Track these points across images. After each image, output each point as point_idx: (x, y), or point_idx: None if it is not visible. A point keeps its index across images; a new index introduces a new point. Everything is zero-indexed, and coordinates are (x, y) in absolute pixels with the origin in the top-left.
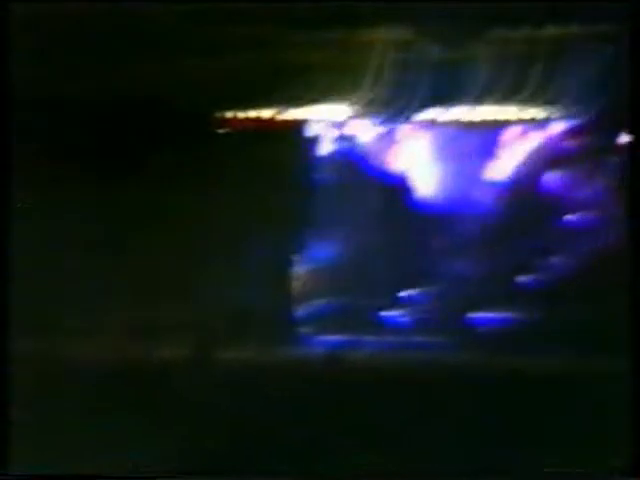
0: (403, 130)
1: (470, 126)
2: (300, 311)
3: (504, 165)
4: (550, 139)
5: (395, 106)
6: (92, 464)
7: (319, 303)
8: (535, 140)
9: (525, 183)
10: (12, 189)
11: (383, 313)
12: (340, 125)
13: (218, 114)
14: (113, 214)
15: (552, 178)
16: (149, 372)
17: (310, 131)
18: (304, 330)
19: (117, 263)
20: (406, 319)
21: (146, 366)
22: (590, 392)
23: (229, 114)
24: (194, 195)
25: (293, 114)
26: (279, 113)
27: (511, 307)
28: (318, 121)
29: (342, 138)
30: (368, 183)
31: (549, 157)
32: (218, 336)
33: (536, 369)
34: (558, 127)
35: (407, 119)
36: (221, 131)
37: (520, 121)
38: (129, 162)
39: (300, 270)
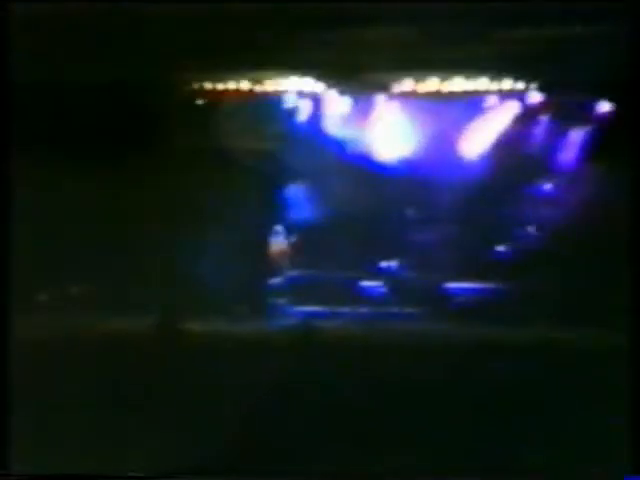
0: (374, 101)
1: (443, 97)
2: (274, 283)
3: (478, 137)
4: (523, 111)
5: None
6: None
7: (293, 275)
8: (508, 112)
9: (499, 155)
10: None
11: (358, 284)
12: (309, 96)
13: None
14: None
15: (526, 149)
16: (115, 347)
17: (279, 102)
18: (278, 302)
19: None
20: (381, 290)
21: (115, 340)
22: (562, 360)
23: (196, 85)
24: (160, 169)
25: (262, 86)
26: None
27: (484, 278)
28: (285, 92)
29: (312, 109)
30: (340, 155)
31: (523, 129)
32: (189, 311)
33: (508, 339)
34: (531, 99)
35: (378, 90)
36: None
37: (493, 93)
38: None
39: (273, 242)
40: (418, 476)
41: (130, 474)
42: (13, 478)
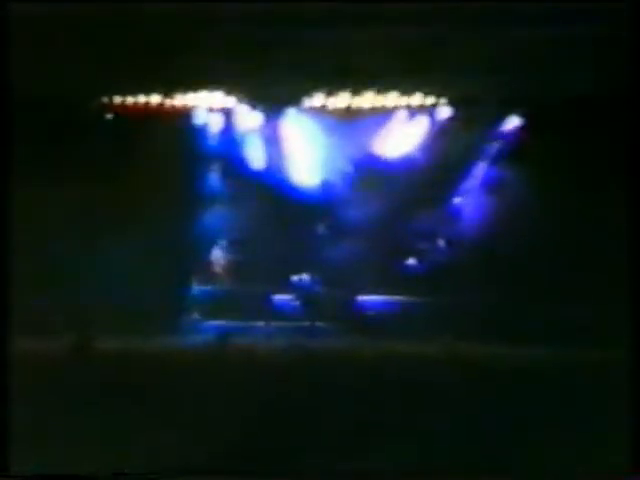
0: (287, 118)
1: (353, 113)
2: (188, 298)
3: (387, 152)
4: (431, 126)
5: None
6: None
7: (207, 290)
8: (418, 127)
9: (408, 170)
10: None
11: (271, 299)
12: (225, 112)
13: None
14: None
15: (435, 164)
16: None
17: (195, 118)
18: (192, 317)
19: None
20: (293, 304)
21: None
22: (470, 374)
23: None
24: (80, 184)
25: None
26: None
27: (395, 291)
28: (202, 108)
29: (228, 126)
30: (254, 171)
31: (431, 144)
32: (102, 326)
33: (419, 352)
34: (440, 115)
35: (290, 105)
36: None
37: (402, 108)
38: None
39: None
40: (418, 476)
41: (130, 474)
42: (13, 478)
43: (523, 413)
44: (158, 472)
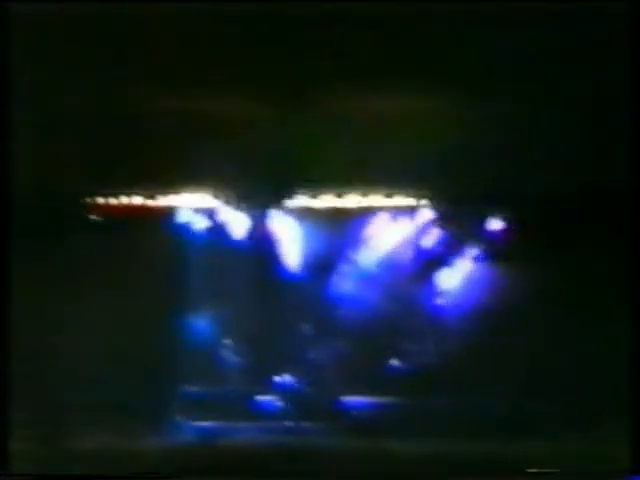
0: (272, 217)
1: (340, 213)
2: (168, 398)
3: (375, 250)
4: (421, 225)
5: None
6: None
7: (187, 389)
8: (405, 226)
9: (396, 268)
10: None
11: (255, 399)
12: (210, 212)
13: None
14: None
15: (422, 263)
16: None
17: (180, 217)
18: (175, 417)
19: None
20: (278, 404)
21: None
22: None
23: (98, 199)
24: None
25: (163, 200)
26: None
27: (382, 392)
28: (188, 207)
29: (213, 225)
30: (237, 270)
31: (419, 243)
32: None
33: (409, 453)
34: (427, 214)
35: (277, 205)
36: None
37: (389, 208)
38: None
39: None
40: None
41: (130, 474)
42: (13, 478)
43: None
44: (158, 472)
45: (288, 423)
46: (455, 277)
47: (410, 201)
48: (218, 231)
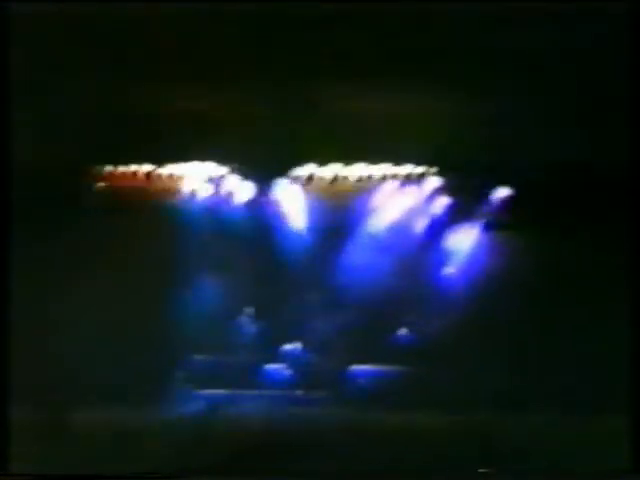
0: (281, 186)
1: (347, 183)
2: (174, 367)
3: (382, 221)
4: (427, 196)
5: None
6: None
7: (194, 358)
8: (412, 198)
9: (403, 239)
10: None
11: (263, 368)
12: (218, 181)
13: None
14: None
15: (428, 234)
16: None
17: (186, 189)
18: (178, 386)
19: None
20: (286, 374)
21: None
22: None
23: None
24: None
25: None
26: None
27: (390, 362)
28: (193, 179)
29: (221, 195)
30: (245, 240)
31: (425, 214)
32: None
33: (414, 424)
34: (432, 185)
35: (286, 175)
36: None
37: (395, 178)
38: None
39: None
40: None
41: (130, 474)
42: (13, 478)
43: None
44: (158, 472)
45: (295, 392)
46: (462, 247)
47: (418, 170)
48: (225, 201)
